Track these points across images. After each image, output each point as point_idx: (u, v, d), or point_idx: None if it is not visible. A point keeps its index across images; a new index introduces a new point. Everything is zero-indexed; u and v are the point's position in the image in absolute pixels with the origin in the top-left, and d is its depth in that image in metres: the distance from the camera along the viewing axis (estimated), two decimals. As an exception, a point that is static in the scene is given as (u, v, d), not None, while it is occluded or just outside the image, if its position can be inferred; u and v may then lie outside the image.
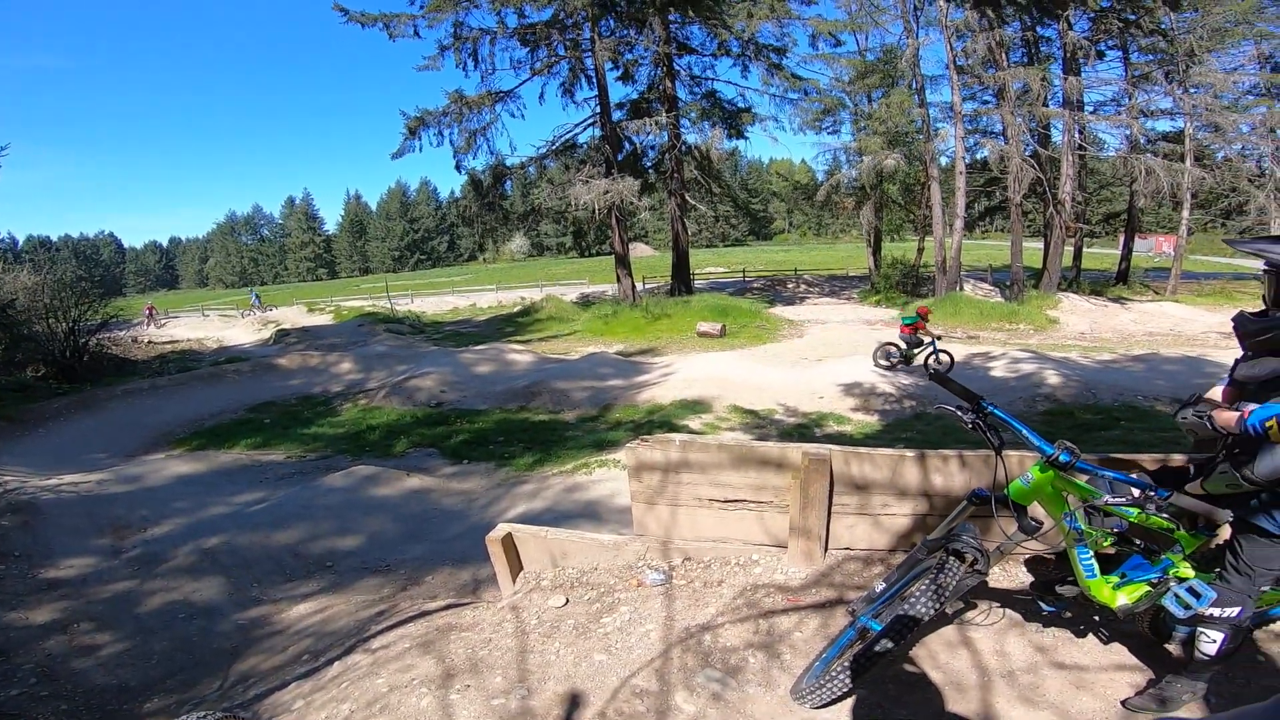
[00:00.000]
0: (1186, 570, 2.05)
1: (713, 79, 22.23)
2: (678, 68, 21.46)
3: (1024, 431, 2.06)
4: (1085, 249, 27.52)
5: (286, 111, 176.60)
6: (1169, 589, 2.00)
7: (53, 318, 14.10)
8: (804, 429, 8.31)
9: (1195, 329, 16.27)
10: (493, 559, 3.61)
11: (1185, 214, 22.99)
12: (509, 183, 22.51)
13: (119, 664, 3.84)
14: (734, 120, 21.82)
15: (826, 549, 3.25)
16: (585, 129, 21.39)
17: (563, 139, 21.28)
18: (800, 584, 3.10)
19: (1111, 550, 2.16)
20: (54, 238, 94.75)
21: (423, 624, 3.49)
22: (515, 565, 3.65)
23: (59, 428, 10.13)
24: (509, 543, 3.60)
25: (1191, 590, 1.91)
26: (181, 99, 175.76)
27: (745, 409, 9.26)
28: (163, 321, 26.15)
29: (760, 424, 8.65)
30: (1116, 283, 24.25)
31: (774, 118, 22.25)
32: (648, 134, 21.11)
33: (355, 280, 68.21)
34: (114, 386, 12.23)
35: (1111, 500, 1.94)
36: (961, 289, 20.86)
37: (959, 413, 2.21)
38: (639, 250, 56.25)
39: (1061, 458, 1.97)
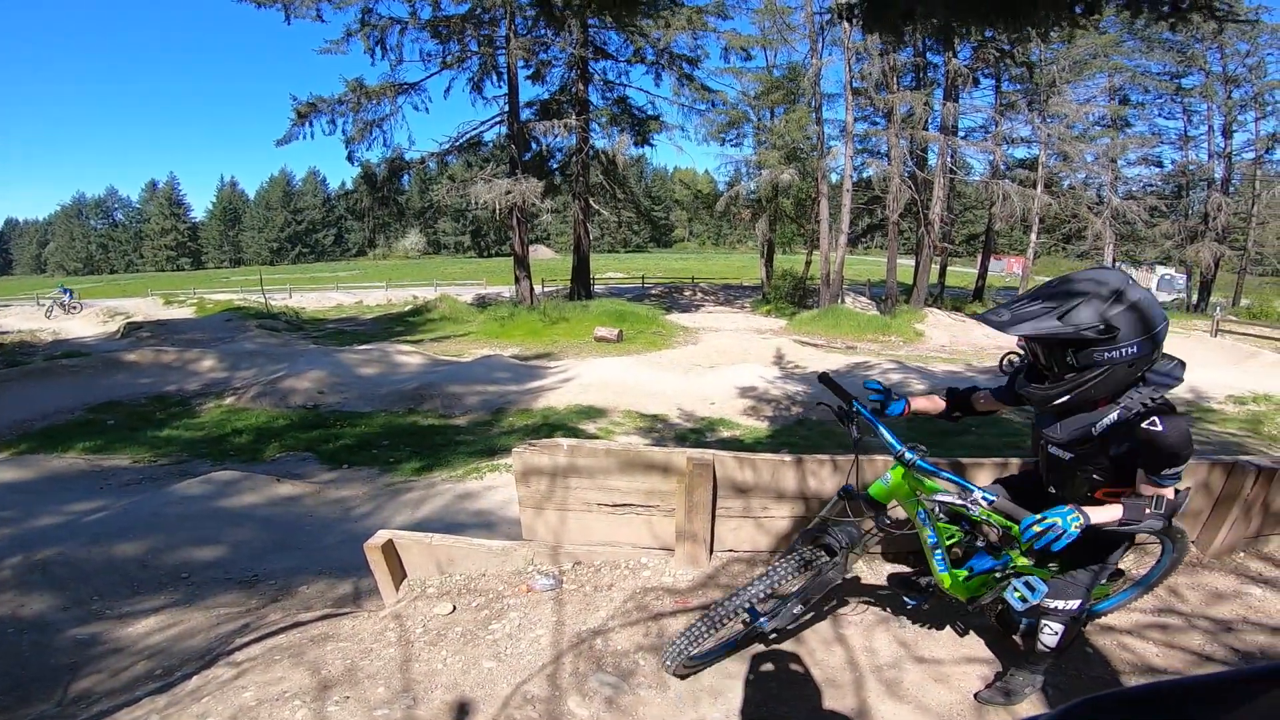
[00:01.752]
0: (1025, 562, 2.18)
1: (625, 85, 22.66)
2: (592, 71, 21.60)
3: (882, 431, 2.17)
4: (948, 267, 30.34)
5: (151, 87, 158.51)
6: (1009, 582, 2.10)
7: None
8: (698, 433, 8.56)
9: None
10: (372, 567, 3.44)
11: (1034, 237, 25.98)
12: (406, 177, 21.65)
13: None
14: (643, 127, 22.20)
15: (712, 551, 3.35)
16: (492, 127, 21.14)
17: (467, 136, 20.90)
18: (688, 586, 3.18)
19: (961, 548, 2.29)
20: None
21: (296, 634, 3.27)
22: (398, 573, 3.49)
23: None
24: (390, 550, 3.44)
25: (1027, 584, 2.02)
26: (28, 68, 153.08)
27: (641, 414, 9.39)
28: (-17, 311, 22.69)
29: (655, 429, 8.81)
30: (973, 299, 26.93)
31: (681, 127, 22.88)
32: (556, 136, 21.18)
33: (224, 272, 62.52)
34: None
35: (944, 499, 2.04)
36: (843, 302, 22.32)
37: (836, 414, 2.33)
38: (540, 253, 55.64)
39: (907, 455, 2.06)
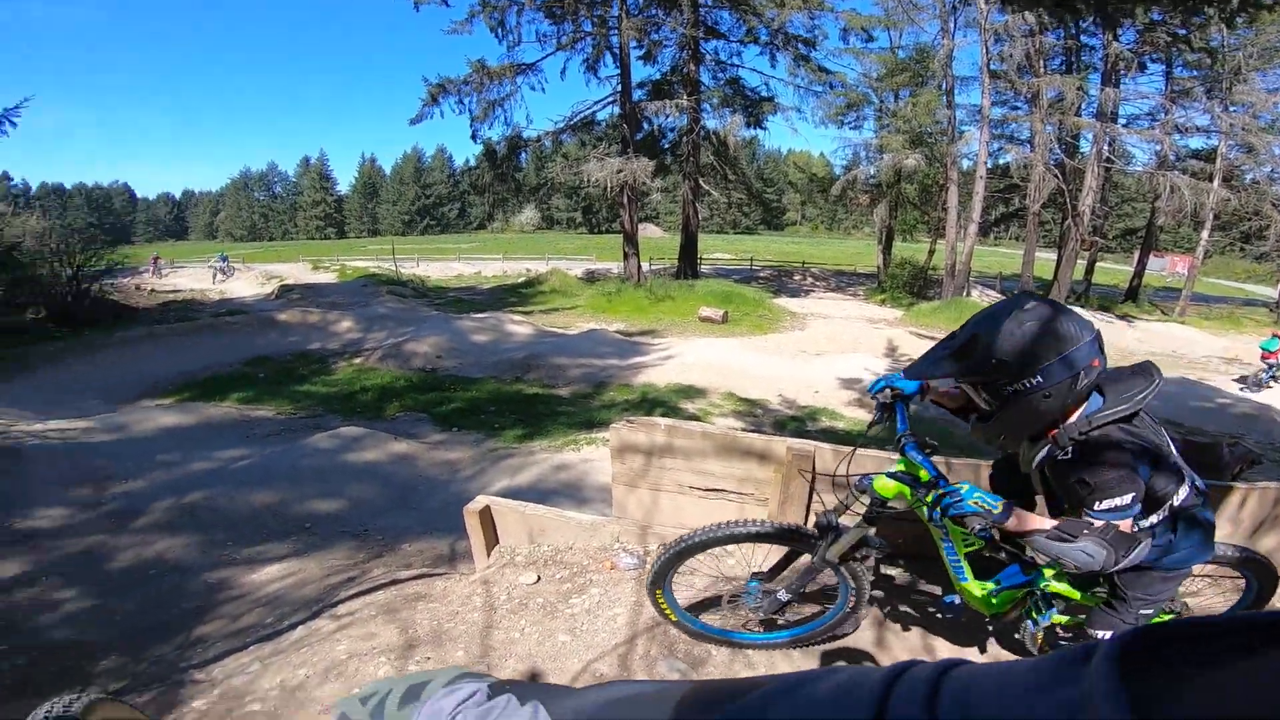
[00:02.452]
0: (1057, 585, 2.02)
1: (738, 66, 22.00)
2: (704, 51, 21.23)
3: (898, 414, 2.10)
4: (1098, 263, 27.24)
5: (305, 73, 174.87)
6: (1034, 602, 2.02)
7: (58, 262, 14.09)
8: (798, 421, 8.26)
9: (1198, 352, 16.13)
10: (469, 530, 3.58)
11: (1205, 235, 22.70)
12: (524, 155, 22.42)
13: (83, 620, 3.79)
14: (755, 109, 21.60)
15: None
16: (605, 107, 21.29)
17: (581, 115, 21.18)
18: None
19: (989, 556, 2.13)
20: (68, 185, 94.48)
21: (392, 591, 3.46)
22: (491, 539, 3.62)
23: (53, 371, 10.12)
24: (486, 515, 3.56)
25: (1050, 604, 1.97)
26: (204, 55, 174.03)
27: (741, 397, 9.21)
28: (166, 271, 26.17)
29: (754, 414, 8.60)
30: (1125, 300, 24.02)
31: (797, 109, 21.97)
32: (667, 116, 21.08)
33: (363, 241, 67.99)
34: (112, 333, 12.20)
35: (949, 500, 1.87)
36: (968, 295, 20.68)
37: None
38: (648, 231, 55.87)
39: (903, 441, 1.99)
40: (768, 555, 2.59)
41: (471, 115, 19.90)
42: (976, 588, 2.07)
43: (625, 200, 20.72)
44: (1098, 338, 1.58)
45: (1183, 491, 1.69)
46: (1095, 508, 1.59)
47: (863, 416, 8.72)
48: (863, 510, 2.09)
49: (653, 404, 8.84)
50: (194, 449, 6.74)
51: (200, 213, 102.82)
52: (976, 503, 1.72)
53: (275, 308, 15.74)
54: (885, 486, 2.01)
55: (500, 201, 22.85)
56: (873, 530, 2.10)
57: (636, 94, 20.97)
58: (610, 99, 21.00)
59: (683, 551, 2.27)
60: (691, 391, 9.44)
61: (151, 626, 3.72)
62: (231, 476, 5.85)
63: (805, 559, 2.28)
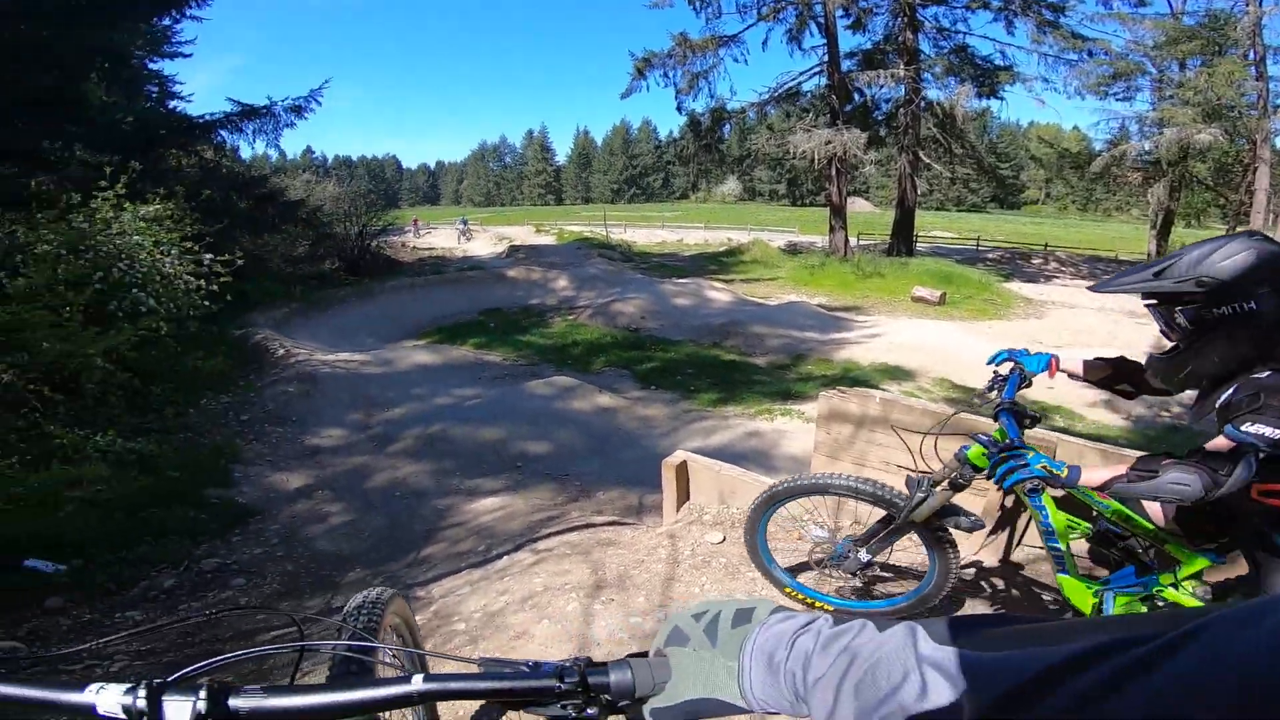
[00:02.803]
0: (1178, 596, 1.73)
1: (965, 33, 19.67)
2: (921, 19, 19.36)
3: (1008, 387, 2.07)
4: None
5: (531, 50, 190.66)
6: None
7: (348, 222, 17.08)
8: (1026, 419, 7.25)
9: None
10: (663, 483, 3.69)
11: None
12: (727, 126, 22.30)
13: (340, 534, 4.47)
14: (988, 78, 19.39)
15: (1018, 544, 2.83)
16: (810, 77, 20.41)
17: (785, 86, 20.52)
18: (969, 577, 2.78)
19: (1106, 551, 1.94)
20: (354, 157, 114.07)
21: (586, 534, 3.70)
22: (682, 494, 3.71)
23: (343, 312, 12.41)
24: (682, 470, 3.64)
25: None
26: (448, 39, 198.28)
27: (955, 384, 8.33)
28: (424, 232, 30.26)
29: (971, 402, 7.73)
30: None
31: (1043, 78, 19.13)
32: (881, 86, 19.76)
33: (577, 208, 72.77)
34: (385, 282, 14.67)
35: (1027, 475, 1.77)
36: None
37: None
38: (857, 205, 52.34)
39: (1000, 411, 1.95)
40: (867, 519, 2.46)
41: (676, 88, 20.13)
42: (1078, 585, 1.86)
43: (834, 172, 19.78)
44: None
45: None
46: (1240, 427, 1.41)
47: (1109, 420, 7.40)
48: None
49: (853, 381, 8.34)
50: (438, 385, 7.88)
51: (449, 181, 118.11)
52: (1044, 467, 1.66)
53: (505, 265, 17.65)
54: (974, 453, 1.92)
55: (704, 172, 23.16)
56: (954, 495, 2.01)
57: (846, 64, 19.91)
58: (816, 69, 20.08)
59: (777, 495, 2.27)
60: (898, 372, 8.76)
61: (390, 544, 4.32)
62: (464, 413, 6.72)
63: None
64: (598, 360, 9.23)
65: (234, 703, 0.52)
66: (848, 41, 20.60)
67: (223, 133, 12.07)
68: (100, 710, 0.51)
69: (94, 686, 0.52)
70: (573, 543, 3.56)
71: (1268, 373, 1.44)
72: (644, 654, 0.59)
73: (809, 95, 20.88)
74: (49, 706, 0.52)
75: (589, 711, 0.56)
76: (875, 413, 3.05)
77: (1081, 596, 1.86)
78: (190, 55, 16.24)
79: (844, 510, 2.92)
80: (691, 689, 0.54)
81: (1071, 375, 2.08)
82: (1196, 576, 1.73)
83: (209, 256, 7.68)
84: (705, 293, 13.58)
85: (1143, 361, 1.93)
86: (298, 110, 12.05)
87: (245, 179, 13.96)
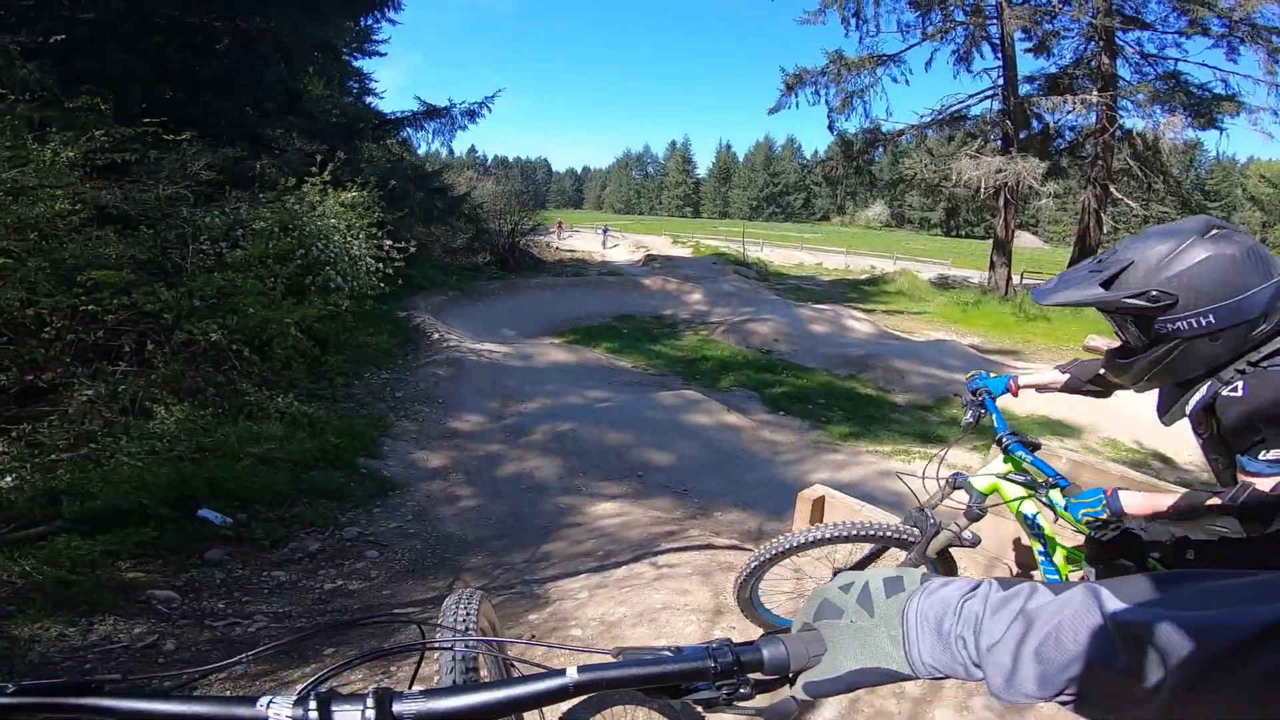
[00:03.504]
0: None
1: (1178, 59, 17.32)
2: (1121, 43, 17.38)
3: (994, 414, 2.17)
4: None
5: (676, 63, 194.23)
6: None
7: (501, 219, 18.24)
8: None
9: None
10: (796, 514, 3.52)
11: None
12: (881, 148, 21.29)
13: (468, 518, 4.64)
14: (1205, 108, 16.84)
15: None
16: (980, 101, 19.04)
17: (951, 110, 19.27)
18: None
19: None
20: (510, 158, 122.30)
21: (707, 555, 3.60)
22: (815, 522, 3.53)
23: (490, 304, 13.24)
24: (819, 504, 3.45)
25: None
26: (597, 49, 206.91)
27: (1132, 448, 7.30)
28: (566, 235, 31.56)
29: (1150, 466, 6.73)
30: None
31: (1274, 110, 16.22)
32: (1069, 113, 17.84)
33: (714, 222, 72.97)
34: (530, 279, 15.51)
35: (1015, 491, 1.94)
36: None
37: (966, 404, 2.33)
38: (1023, 239, 47.95)
39: (1005, 437, 2.05)
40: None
41: (829, 106, 19.48)
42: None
43: (1001, 203, 18.37)
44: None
45: None
46: (1260, 457, 1.31)
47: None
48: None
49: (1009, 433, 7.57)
50: (571, 384, 8.14)
51: (593, 186, 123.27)
52: (1103, 508, 1.63)
53: (642, 274, 18.03)
54: (984, 485, 2.03)
55: (851, 194, 22.33)
56: (970, 527, 2.06)
57: (1024, 88, 18.41)
58: (989, 93, 18.70)
59: (777, 555, 2.26)
60: (1060, 428, 7.82)
61: (512, 534, 4.42)
62: (594, 414, 6.86)
63: (897, 554, 2.27)
64: (726, 378, 9.11)
65: (399, 708, 0.53)
66: (1026, 64, 18.99)
67: (408, 129, 13.22)
68: None
69: (264, 700, 0.53)
70: (694, 563, 3.48)
71: (1241, 384, 1.34)
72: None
73: (975, 120, 19.56)
74: None
75: (741, 691, 0.56)
76: (1061, 473, 2.73)
77: None
78: (385, 54, 18.17)
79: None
80: (853, 659, 0.54)
81: (1039, 389, 2.19)
82: None
83: (388, 242, 8.50)
84: (844, 321, 13.01)
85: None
86: (471, 115, 12.91)
87: (422, 172, 15.25)
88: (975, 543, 2.12)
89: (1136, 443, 7.43)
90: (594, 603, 3.04)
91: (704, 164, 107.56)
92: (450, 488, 5.15)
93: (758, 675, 0.57)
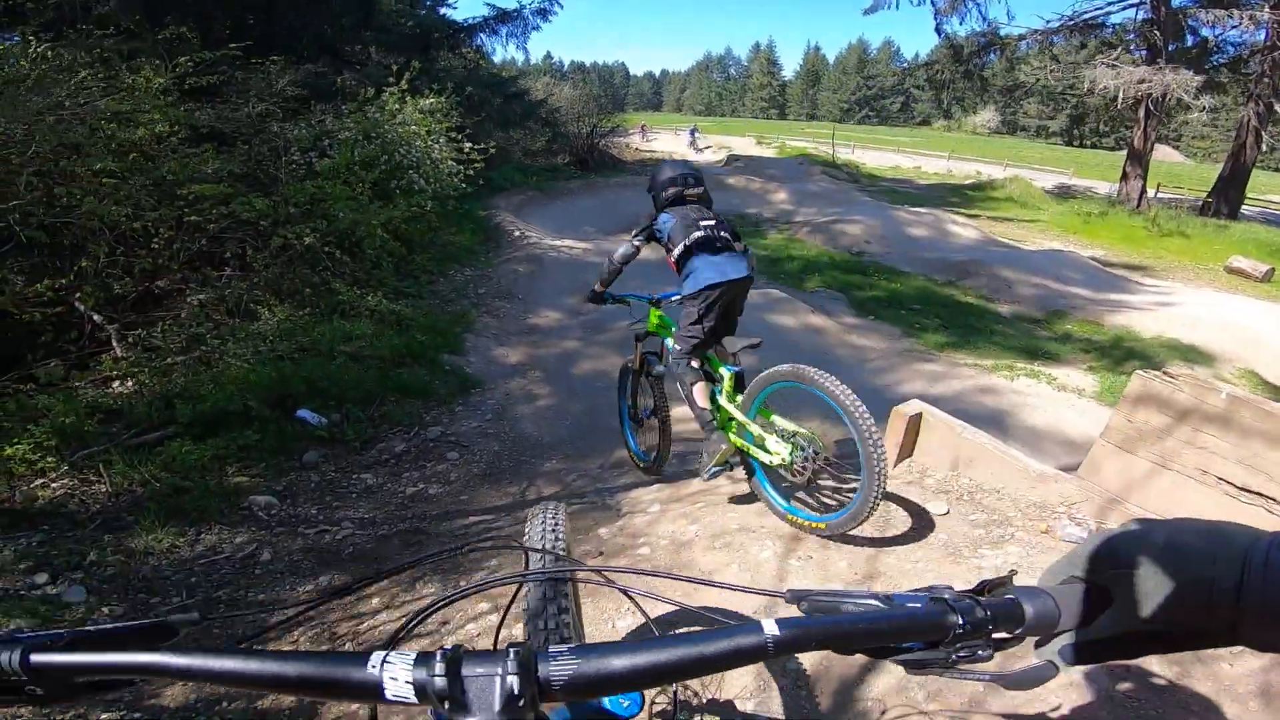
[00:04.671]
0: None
1: None
2: None
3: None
4: None
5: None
6: None
7: (579, 122, 17.89)
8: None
9: None
10: (888, 432, 3.26)
11: None
12: (996, 52, 19.17)
13: (545, 418, 4.60)
14: None
15: None
16: (1125, 9, 17.09)
17: (1087, 16, 17.38)
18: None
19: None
20: (586, 63, 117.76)
21: None
22: (906, 449, 3.25)
23: (569, 202, 12.99)
24: (914, 422, 3.17)
25: None
26: None
27: (1266, 380, 6.46)
28: (650, 137, 30.53)
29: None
30: None
31: None
32: (1232, 28, 15.78)
33: (801, 124, 68.63)
34: (609, 178, 15.06)
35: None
36: None
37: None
38: (1162, 153, 42.49)
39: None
40: None
41: (935, 7, 17.73)
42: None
43: (1142, 114, 16.75)
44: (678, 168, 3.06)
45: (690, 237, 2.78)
46: None
47: None
48: None
49: (1127, 353, 6.84)
50: (652, 281, 7.81)
51: (671, 89, 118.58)
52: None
53: (724, 173, 17.15)
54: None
55: (959, 99, 20.41)
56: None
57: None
58: (1134, 1, 16.66)
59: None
60: (1193, 354, 6.98)
61: (587, 436, 4.34)
62: (673, 311, 6.65)
63: None
64: (812, 279, 8.62)
65: (547, 670, 0.43)
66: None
67: (481, 35, 13.00)
68: (390, 693, 0.41)
69: (376, 657, 0.42)
70: None
71: None
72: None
73: (1113, 28, 17.82)
74: (330, 686, 0.43)
75: (980, 653, 0.45)
76: (1214, 408, 2.32)
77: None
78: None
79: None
80: (1156, 615, 0.45)
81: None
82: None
83: (468, 146, 8.38)
84: (946, 226, 11.96)
85: None
86: (543, 13, 12.66)
87: (498, 79, 15.02)
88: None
89: (1260, 376, 6.54)
90: (665, 519, 2.93)
91: (789, 66, 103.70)
92: (529, 385, 5.18)
93: (1001, 634, 0.46)
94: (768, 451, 2.49)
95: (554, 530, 1.08)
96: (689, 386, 2.82)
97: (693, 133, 28.79)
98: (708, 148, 26.19)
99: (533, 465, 3.99)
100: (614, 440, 4.23)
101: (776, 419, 2.54)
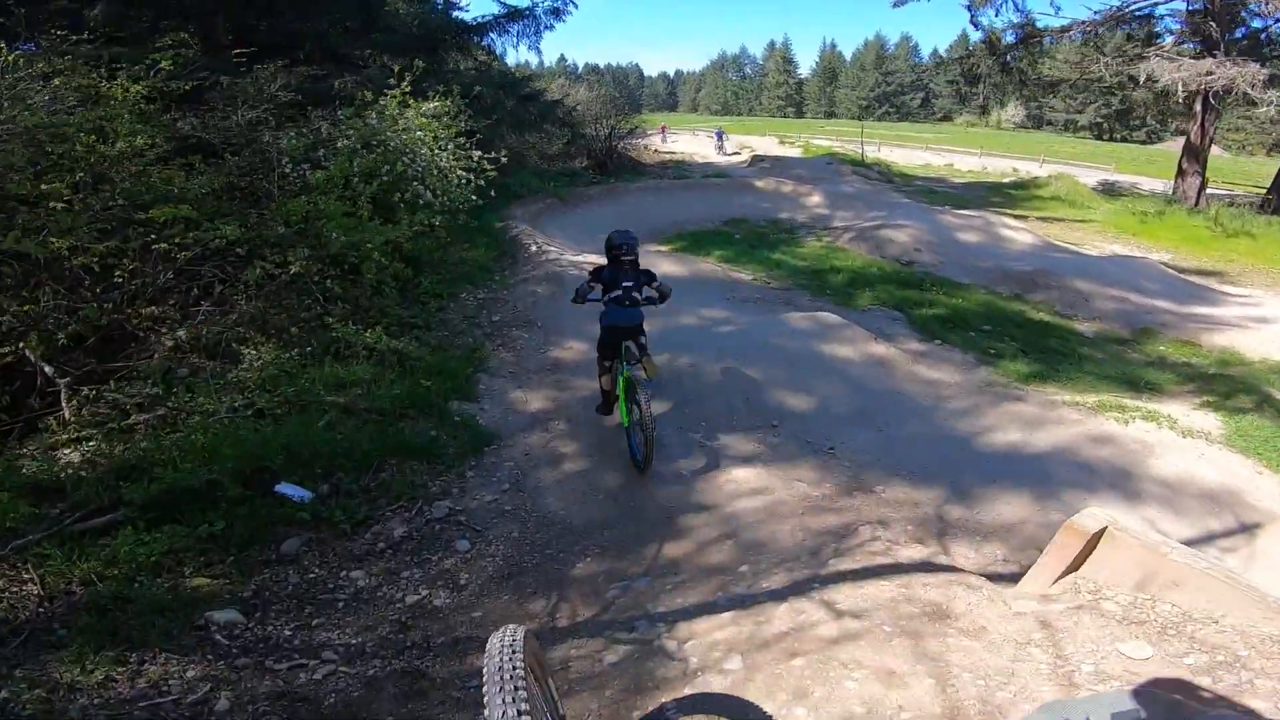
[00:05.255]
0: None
1: None
2: None
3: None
4: None
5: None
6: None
7: (598, 124, 17.18)
8: None
9: None
10: (1053, 545, 2.42)
11: None
12: (1035, 45, 18.40)
13: (572, 489, 3.83)
14: None
15: None
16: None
17: (1133, 6, 16.46)
18: None
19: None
20: (600, 64, 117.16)
21: (897, 586, 2.58)
22: (1076, 561, 2.40)
23: (590, 210, 12.16)
24: (1095, 542, 2.31)
25: None
26: None
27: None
28: (670, 139, 29.46)
29: None
30: None
31: None
32: None
33: (819, 122, 67.31)
34: (630, 183, 14.26)
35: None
36: None
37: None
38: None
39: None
40: None
41: (968, 1, 16.76)
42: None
43: (1200, 107, 15.75)
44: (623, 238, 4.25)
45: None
46: None
47: None
48: None
49: (1238, 385, 5.85)
50: (684, 301, 6.98)
51: (686, 89, 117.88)
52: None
53: (751, 174, 16.26)
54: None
55: (997, 91, 19.87)
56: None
57: None
58: None
59: None
60: (1300, 380, 6.02)
61: (626, 516, 3.55)
62: (714, 341, 5.81)
63: None
64: (862, 294, 7.74)
65: None
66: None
67: (492, 35, 12.37)
68: None
69: None
70: (882, 601, 2.48)
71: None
72: None
73: (1163, 18, 16.91)
74: None
75: None
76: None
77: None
78: (465, -39, 16.74)
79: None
80: None
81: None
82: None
83: (478, 153, 7.62)
84: (998, 229, 11.00)
85: None
86: (556, 13, 12.11)
87: (511, 80, 14.29)
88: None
89: None
90: (754, 683, 2.11)
91: (805, 64, 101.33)
92: (552, 441, 4.35)
93: None
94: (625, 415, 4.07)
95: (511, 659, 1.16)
96: (598, 376, 4.38)
97: (719, 135, 27.75)
98: (735, 153, 25.24)
99: (560, 565, 3.19)
100: (660, 527, 3.46)
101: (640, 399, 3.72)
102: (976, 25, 17.81)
